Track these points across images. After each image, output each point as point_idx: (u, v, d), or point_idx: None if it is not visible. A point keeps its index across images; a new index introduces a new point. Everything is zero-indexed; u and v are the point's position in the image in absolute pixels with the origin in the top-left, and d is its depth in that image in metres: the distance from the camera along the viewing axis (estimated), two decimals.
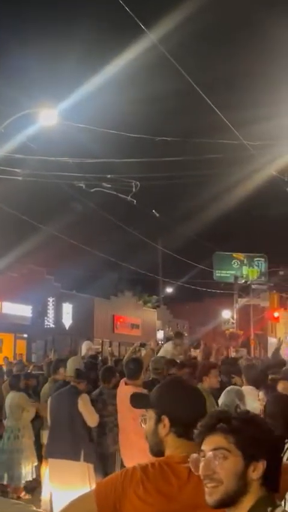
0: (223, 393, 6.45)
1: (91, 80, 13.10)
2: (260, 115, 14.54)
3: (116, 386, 7.13)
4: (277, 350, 12.17)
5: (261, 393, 5.96)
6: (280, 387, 5.43)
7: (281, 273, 38.87)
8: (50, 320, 29.25)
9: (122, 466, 6.49)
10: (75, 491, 4.98)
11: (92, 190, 15.74)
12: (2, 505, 2.24)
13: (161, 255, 37.52)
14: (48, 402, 7.03)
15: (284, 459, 3.24)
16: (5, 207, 18.57)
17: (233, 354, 16.64)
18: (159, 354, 10.17)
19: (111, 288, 36.25)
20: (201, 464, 1.89)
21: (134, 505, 2.18)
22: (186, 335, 27.84)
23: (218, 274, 37.10)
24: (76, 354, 13.14)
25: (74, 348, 23.15)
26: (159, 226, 29.64)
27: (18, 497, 8.22)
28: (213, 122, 13.33)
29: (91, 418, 6.64)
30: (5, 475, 8.44)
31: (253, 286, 36.83)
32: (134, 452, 5.84)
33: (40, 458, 8.35)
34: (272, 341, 41.15)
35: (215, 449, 1.88)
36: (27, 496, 8.45)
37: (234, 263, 37.32)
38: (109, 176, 15.57)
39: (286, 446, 3.53)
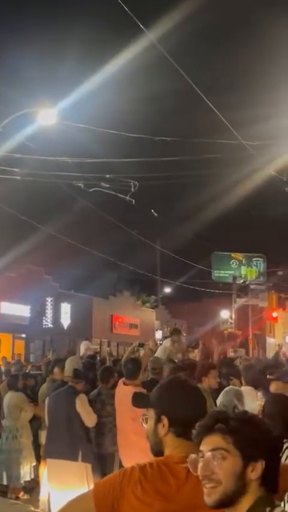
0: (221, 393, 6.45)
1: (90, 79, 13.10)
2: (259, 115, 14.56)
3: (114, 386, 7.12)
4: (277, 353, 12.18)
5: (259, 394, 5.97)
6: (272, 387, 5.42)
7: (280, 273, 38.89)
8: (48, 320, 29.23)
9: (121, 466, 6.48)
10: (73, 491, 4.97)
11: (90, 190, 15.73)
12: (1, 505, 2.24)
13: (159, 255, 37.48)
14: (46, 402, 7.02)
15: (283, 459, 3.23)
16: (4, 207, 18.57)
17: (231, 354, 16.64)
18: (157, 352, 10.17)
19: (110, 288, 36.24)
20: (200, 465, 1.89)
21: (132, 505, 2.17)
22: (184, 335, 27.85)
23: (217, 274, 37.17)
24: (74, 354, 13.14)
25: (73, 348, 23.16)
26: (157, 226, 29.67)
27: (17, 497, 8.22)
28: (212, 122, 13.34)
29: (89, 418, 6.63)
30: (4, 475, 8.44)
31: (252, 287, 36.90)
32: (132, 452, 5.84)
33: (38, 458, 8.35)
34: (271, 341, 41.25)
35: (213, 450, 1.87)
36: (26, 496, 8.44)
37: (232, 263, 37.39)
38: (108, 176, 15.57)
39: (285, 446, 3.52)
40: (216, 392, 6.70)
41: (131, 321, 37.41)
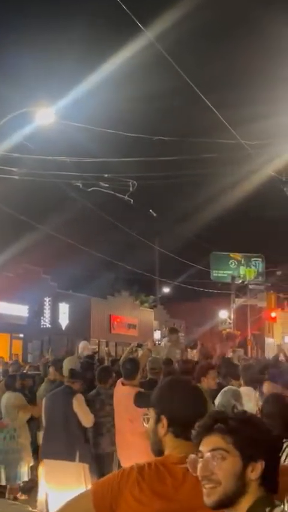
0: (219, 393, 6.43)
1: (88, 78, 13.08)
2: (257, 114, 14.54)
3: (112, 386, 7.10)
4: (277, 355, 12.16)
5: (258, 394, 5.94)
6: (265, 388, 5.38)
7: (279, 273, 38.86)
8: (47, 320, 29.19)
9: (120, 466, 6.46)
10: (70, 491, 4.94)
11: (89, 190, 15.72)
12: None
13: (158, 255, 37.50)
14: (43, 402, 7.00)
15: (282, 459, 3.20)
16: (2, 206, 18.54)
17: (229, 355, 16.60)
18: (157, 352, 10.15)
19: (108, 288, 36.21)
20: (199, 465, 1.88)
21: (130, 505, 2.16)
22: (182, 335, 27.83)
23: (215, 274, 37.16)
24: (73, 354, 13.11)
25: (71, 348, 23.13)
26: (156, 225, 29.71)
27: (15, 498, 8.19)
28: (210, 121, 13.31)
29: (86, 418, 6.61)
30: (2, 476, 8.41)
31: (250, 287, 36.85)
32: (130, 452, 5.82)
33: (37, 459, 8.32)
34: (270, 341, 41.24)
35: (213, 450, 1.87)
36: (24, 497, 8.42)
37: (231, 263, 37.39)
38: (106, 175, 15.55)
39: (285, 445, 3.49)
40: (216, 392, 6.67)
41: (129, 321, 37.37)
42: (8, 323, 25.74)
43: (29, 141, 14.34)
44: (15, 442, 8.53)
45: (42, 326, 28.76)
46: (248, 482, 1.85)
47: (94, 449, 7.13)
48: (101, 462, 7.08)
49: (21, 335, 28.28)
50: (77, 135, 15.39)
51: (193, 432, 1.95)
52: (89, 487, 2.48)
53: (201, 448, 1.90)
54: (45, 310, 29.23)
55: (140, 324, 38.09)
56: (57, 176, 15.93)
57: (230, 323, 33.31)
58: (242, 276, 36.65)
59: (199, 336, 28.93)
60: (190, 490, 2.10)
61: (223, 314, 36.72)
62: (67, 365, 7.25)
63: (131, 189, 14.97)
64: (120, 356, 10.86)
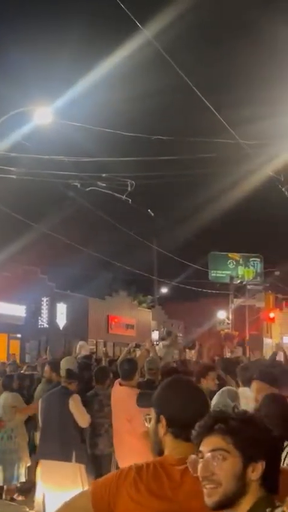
0: (216, 394, 6.40)
1: (86, 78, 13.05)
2: (256, 114, 14.54)
3: (110, 386, 7.07)
4: (274, 354, 12.11)
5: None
6: (253, 387, 5.32)
7: (277, 273, 38.85)
8: (44, 320, 29.18)
9: (118, 468, 6.42)
10: (67, 492, 4.92)
11: (87, 189, 15.68)
12: None
13: (156, 255, 37.49)
14: (39, 403, 6.97)
15: (284, 463, 3.18)
16: None
17: (228, 355, 16.60)
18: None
19: (106, 288, 36.19)
20: (200, 466, 1.87)
21: (128, 505, 2.15)
22: (180, 335, 27.82)
23: (214, 274, 37.19)
24: (70, 354, 13.07)
25: (68, 348, 23.09)
26: (154, 225, 29.69)
27: (12, 499, 8.16)
28: (209, 120, 13.30)
29: (82, 419, 6.58)
30: None
31: (248, 287, 36.88)
32: (127, 453, 5.79)
33: (34, 459, 8.29)
34: (268, 341, 41.24)
35: (213, 450, 1.85)
36: (21, 497, 8.38)
37: (229, 263, 37.42)
38: (104, 175, 15.51)
39: (285, 444, 3.46)
40: (215, 394, 6.64)
41: (127, 322, 37.36)
42: (6, 323, 25.73)
43: (27, 140, 14.33)
44: (13, 442, 8.51)
45: (39, 326, 28.75)
46: (249, 483, 1.84)
47: (92, 450, 7.10)
48: (99, 463, 7.05)
49: (19, 335, 28.28)
50: (75, 134, 15.37)
51: (193, 432, 1.94)
52: (86, 487, 2.46)
53: (201, 448, 1.89)
54: (42, 311, 29.22)
55: (138, 325, 38.08)
56: (55, 175, 15.89)
57: (228, 323, 33.32)
58: (240, 276, 36.70)
59: (197, 337, 28.92)
60: (188, 491, 2.08)
61: (221, 314, 36.73)
62: (64, 365, 7.22)
63: (129, 189, 14.94)
64: (118, 357, 10.83)
